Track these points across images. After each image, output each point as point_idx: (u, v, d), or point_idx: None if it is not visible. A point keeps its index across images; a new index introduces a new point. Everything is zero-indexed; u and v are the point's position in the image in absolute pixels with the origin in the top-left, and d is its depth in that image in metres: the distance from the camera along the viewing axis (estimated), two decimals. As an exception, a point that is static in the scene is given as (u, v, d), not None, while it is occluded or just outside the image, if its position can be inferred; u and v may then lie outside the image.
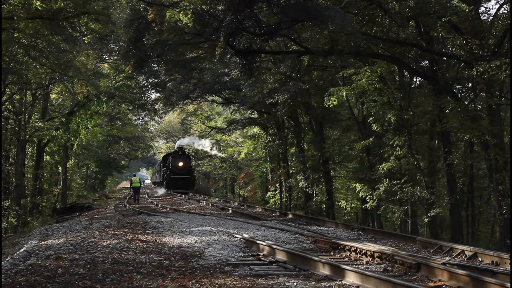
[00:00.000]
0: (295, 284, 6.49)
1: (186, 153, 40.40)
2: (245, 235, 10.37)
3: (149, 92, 36.96)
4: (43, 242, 9.81)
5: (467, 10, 16.18)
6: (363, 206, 22.01)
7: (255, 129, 36.02)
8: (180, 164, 37.10)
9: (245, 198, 43.01)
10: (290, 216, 18.20)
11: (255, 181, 41.01)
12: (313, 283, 6.60)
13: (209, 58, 24.05)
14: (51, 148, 33.70)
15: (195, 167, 44.96)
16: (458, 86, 20.82)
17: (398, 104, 17.23)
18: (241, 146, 40.13)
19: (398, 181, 17.89)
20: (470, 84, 20.18)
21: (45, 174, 35.58)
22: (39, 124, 27.93)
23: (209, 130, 44.85)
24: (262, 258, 8.41)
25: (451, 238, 17.88)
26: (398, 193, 17.88)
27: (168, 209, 20.67)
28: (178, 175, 36.63)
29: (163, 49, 22.68)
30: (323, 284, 6.54)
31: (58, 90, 32.80)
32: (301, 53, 18.22)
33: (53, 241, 9.86)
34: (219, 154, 45.36)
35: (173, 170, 36.92)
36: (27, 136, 28.35)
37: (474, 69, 14.61)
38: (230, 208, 20.63)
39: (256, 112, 31.85)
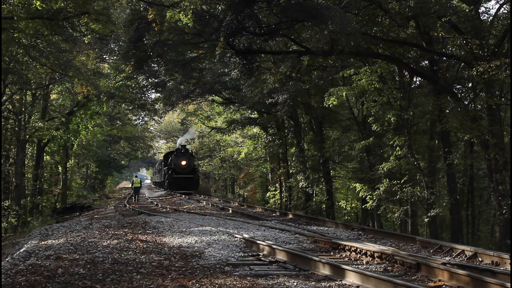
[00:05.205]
0: (295, 284, 6.49)
1: (189, 151, 38.46)
2: (245, 235, 10.37)
3: (149, 92, 36.99)
4: (43, 242, 9.81)
5: (467, 10, 16.19)
6: (363, 206, 22.02)
7: (255, 129, 35.98)
8: (183, 162, 35.19)
9: (245, 198, 42.99)
10: (290, 216, 18.19)
11: (255, 181, 40.98)
12: (313, 283, 6.60)
13: (209, 58, 24.09)
14: (51, 148, 33.69)
15: (197, 166, 43.60)
16: (458, 86, 20.82)
17: (398, 104, 17.25)
18: (241, 146, 40.06)
19: (398, 181, 17.90)
20: (470, 84, 20.18)
21: (45, 174, 35.56)
22: (39, 124, 27.93)
23: (209, 130, 44.81)
24: (262, 258, 8.41)
25: (451, 238, 17.88)
26: (398, 193, 17.88)
27: (168, 209, 20.66)
28: (180, 174, 34.86)
29: (163, 49, 22.72)
30: (323, 284, 6.54)
31: (58, 90, 32.79)
32: (301, 53, 18.22)
33: (53, 241, 9.86)
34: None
35: (175, 170, 35.09)
36: (27, 136, 28.36)
37: (474, 69, 14.61)
38: (230, 208, 20.63)
39: (256, 112, 31.84)
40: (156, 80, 31.86)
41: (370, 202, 19.58)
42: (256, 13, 15.87)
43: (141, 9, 22.68)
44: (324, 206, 25.88)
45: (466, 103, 19.13)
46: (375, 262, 8.21)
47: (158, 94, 35.40)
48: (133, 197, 29.11)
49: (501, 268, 7.65)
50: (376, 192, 18.88)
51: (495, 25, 17.01)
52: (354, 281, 6.43)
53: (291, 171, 29.93)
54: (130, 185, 47.29)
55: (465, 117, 16.20)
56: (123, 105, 37.19)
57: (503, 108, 20.08)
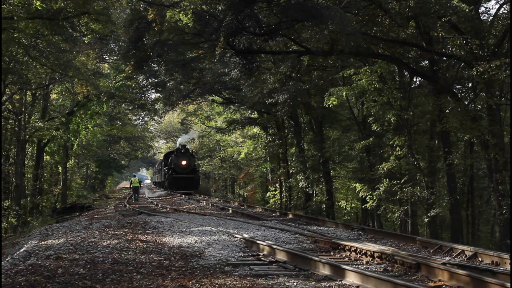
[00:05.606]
0: (295, 284, 6.49)
1: (190, 151, 38.24)
2: (245, 235, 10.37)
3: (149, 92, 36.99)
4: (43, 242, 9.81)
5: (467, 10, 16.19)
6: (363, 206, 22.02)
7: (255, 129, 35.97)
8: (183, 162, 35.11)
9: (245, 198, 42.98)
10: (290, 216, 18.19)
11: (255, 181, 40.96)
12: (313, 283, 6.60)
13: (209, 58, 24.07)
14: (51, 148, 33.69)
15: (197, 166, 43.52)
16: (458, 86, 20.83)
17: (398, 104, 17.24)
18: (241, 146, 40.05)
19: (398, 181, 17.89)
20: (470, 84, 20.18)
21: (45, 174, 35.55)
22: (39, 124, 27.92)
23: (209, 130, 44.77)
24: (262, 258, 8.41)
25: (451, 238, 17.88)
26: (398, 193, 17.88)
27: (168, 209, 20.66)
28: (181, 174, 34.76)
29: (163, 49, 22.69)
30: (323, 284, 6.54)
31: (58, 90, 32.80)
32: (301, 53, 18.22)
33: (53, 241, 9.86)
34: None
35: (175, 169, 35.02)
36: (27, 136, 28.36)
37: (474, 69, 14.60)
38: (230, 208, 20.63)
39: (256, 112, 31.85)
40: (156, 80, 31.86)
41: (370, 202, 19.58)
42: (256, 13, 15.86)
43: (141, 9, 22.68)
44: (324, 206, 25.88)
45: (466, 103, 19.13)
46: (375, 262, 8.21)
47: (158, 94, 35.43)
48: (132, 197, 29.12)
49: (501, 268, 7.65)
50: (376, 192, 18.87)
51: (495, 25, 17.01)
52: (354, 281, 6.43)
53: (291, 171, 29.93)
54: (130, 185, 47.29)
55: (465, 117, 16.20)
56: (123, 105, 37.18)
57: (503, 108, 20.08)
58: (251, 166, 40.50)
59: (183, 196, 30.63)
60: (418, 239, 10.94)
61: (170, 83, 28.25)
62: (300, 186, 27.64)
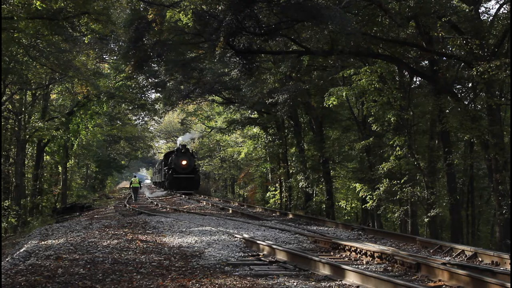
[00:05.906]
0: (295, 284, 6.49)
1: (190, 151, 38.07)
2: (245, 235, 10.37)
3: (149, 92, 37.00)
4: (43, 242, 9.81)
5: (467, 10, 16.20)
6: (363, 206, 22.01)
7: (255, 129, 35.97)
8: (184, 162, 35.05)
9: (245, 198, 42.97)
10: (290, 216, 18.20)
11: (255, 181, 40.95)
12: (313, 283, 6.60)
13: (209, 58, 24.07)
14: (51, 148, 33.69)
15: (198, 166, 43.26)
16: (458, 86, 20.82)
17: (398, 104, 17.23)
18: (241, 146, 40.05)
19: (398, 181, 17.89)
20: (470, 84, 20.18)
21: (45, 174, 35.55)
22: (39, 124, 27.93)
23: (209, 130, 44.78)
24: (262, 258, 8.41)
25: (451, 238, 17.88)
26: (398, 193, 17.87)
27: (168, 209, 20.66)
28: (181, 174, 34.73)
29: (163, 49, 22.71)
30: (323, 284, 6.54)
31: (58, 90, 32.80)
32: (301, 53, 18.22)
33: (53, 241, 9.86)
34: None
35: (175, 169, 35.00)
36: (27, 136, 28.37)
37: (474, 69, 14.60)
38: (230, 208, 20.63)
39: (256, 112, 31.85)
40: (156, 80, 31.85)
41: (370, 202, 19.57)
42: (256, 13, 15.86)
43: (141, 9, 22.69)
44: (324, 206, 25.88)
45: (466, 103, 19.13)
46: (375, 262, 8.21)
47: (158, 94, 35.43)
48: (132, 198, 29.11)
49: (501, 268, 7.65)
50: (376, 192, 18.86)
51: (495, 25, 17.02)
52: (354, 281, 6.43)
53: (291, 171, 29.92)
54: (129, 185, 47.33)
55: (465, 117, 16.19)
56: (123, 105, 37.19)
57: (503, 108, 20.07)
58: (251, 166, 40.48)
59: (183, 196, 30.61)
60: (418, 239, 10.94)
61: (170, 83, 28.24)
62: (300, 186, 27.64)
